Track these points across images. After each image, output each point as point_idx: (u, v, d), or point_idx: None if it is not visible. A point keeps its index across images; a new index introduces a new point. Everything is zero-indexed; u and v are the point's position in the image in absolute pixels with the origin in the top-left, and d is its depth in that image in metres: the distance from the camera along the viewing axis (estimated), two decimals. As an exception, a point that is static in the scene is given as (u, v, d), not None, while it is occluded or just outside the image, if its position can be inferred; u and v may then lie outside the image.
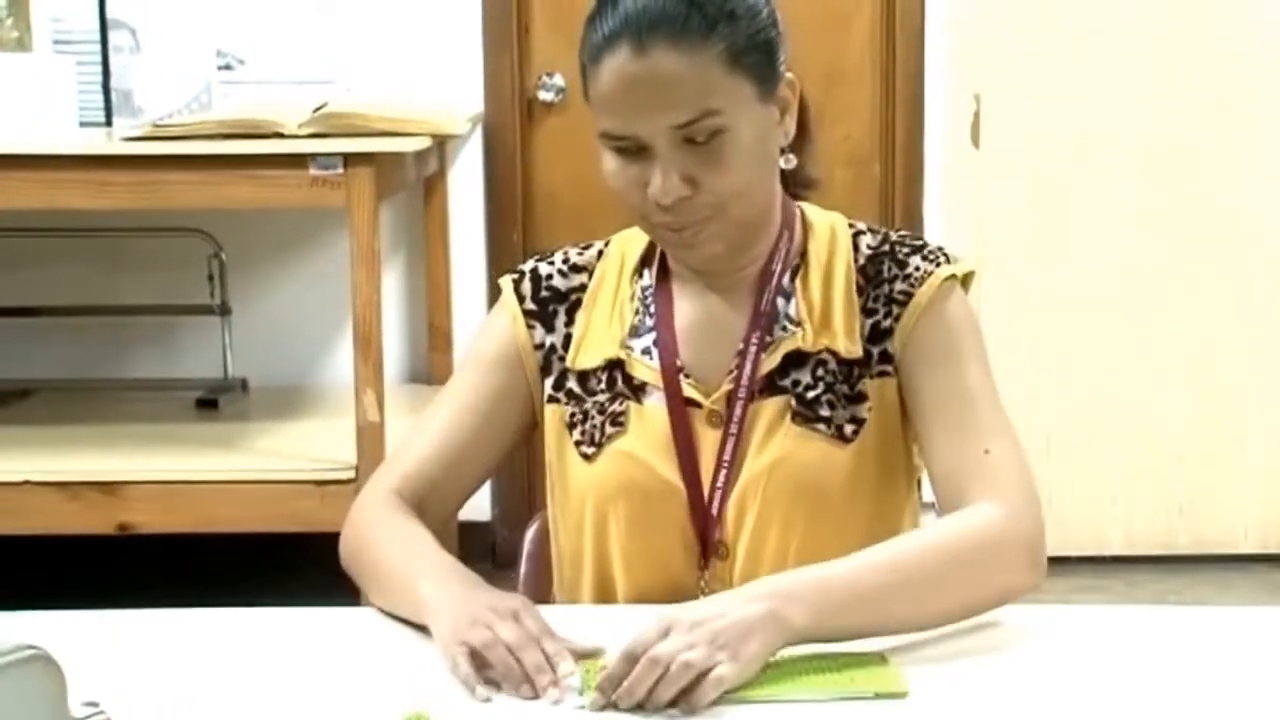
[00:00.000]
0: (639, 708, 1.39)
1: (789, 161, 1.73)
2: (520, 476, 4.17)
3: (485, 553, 4.12)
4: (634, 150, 1.63)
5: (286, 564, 3.80)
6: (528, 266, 1.84)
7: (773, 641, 1.46)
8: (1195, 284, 4.32)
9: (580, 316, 1.79)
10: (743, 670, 1.42)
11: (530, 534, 1.98)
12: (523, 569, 1.97)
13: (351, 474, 3.51)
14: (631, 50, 1.60)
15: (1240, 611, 1.73)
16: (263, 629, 1.67)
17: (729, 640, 1.42)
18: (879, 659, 1.51)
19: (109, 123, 4.07)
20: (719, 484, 1.71)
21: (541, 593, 1.92)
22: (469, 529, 3.90)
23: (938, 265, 1.74)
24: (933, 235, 4.24)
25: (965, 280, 1.77)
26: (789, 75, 1.70)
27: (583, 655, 1.50)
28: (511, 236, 4.39)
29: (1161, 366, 4.34)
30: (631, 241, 1.82)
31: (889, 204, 4.40)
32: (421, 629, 1.61)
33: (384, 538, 1.73)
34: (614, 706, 1.40)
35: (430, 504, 1.79)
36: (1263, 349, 4.34)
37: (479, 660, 1.48)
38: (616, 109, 1.63)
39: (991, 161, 4.30)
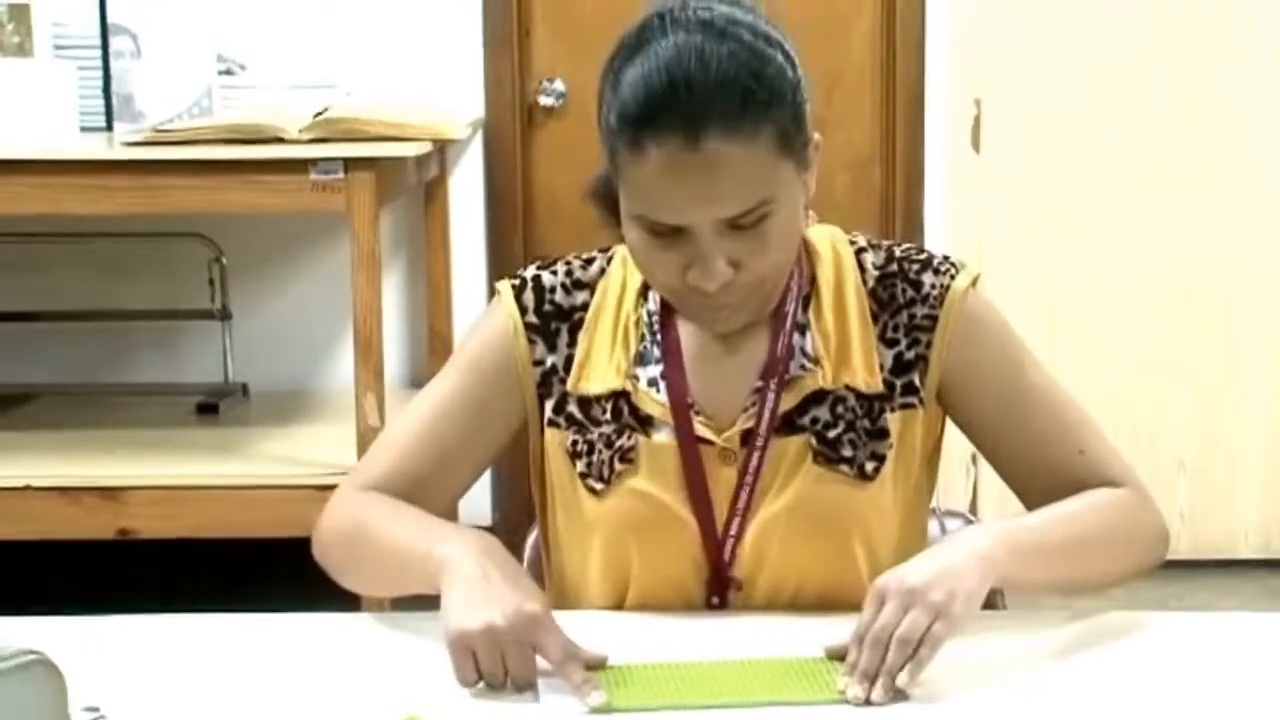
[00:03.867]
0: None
1: (809, 218, 1.68)
2: (522, 482, 4.14)
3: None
4: (669, 232, 1.56)
5: (287, 569, 3.80)
6: (529, 274, 1.76)
7: (984, 579, 1.51)
8: (1195, 289, 4.32)
9: (582, 338, 1.73)
10: (959, 621, 1.47)
11: (531, 540, 1.98)
12: (523, 575, 1.96)
13: (352, 479, 3.51)
14: (683, 140, 1.50)
15: (1241, 617, 1.73)
16: (262, 634, 1.67)
17: (943, 590, 1.47)
18: (823, 662, 1.52)
19: (110, 127, 4.07)
20: (734, 522, 1.67)
21: (542, 599, 1.92)
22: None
23: (951, 277, 1.71)
24: (933, 240, 4.25)
25: (974, 284, 1.74)
26: (816, 137, 1.63)
27: (591, 666, 1.49)
28: (512, 241, 4.39)
29: (1162, 372, 4.34)
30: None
31: (889, 209, 4.40)
32: (419, 635, 1.62)
33: (385, 517, 1.68)
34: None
35: (410, 501, 1.73)
36: (1262, 355, 4.34)
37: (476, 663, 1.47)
38: (661, 199, 1.54)
39: (992, 167, 4.30)
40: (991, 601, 1.76)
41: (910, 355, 1.70)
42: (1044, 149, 4.29)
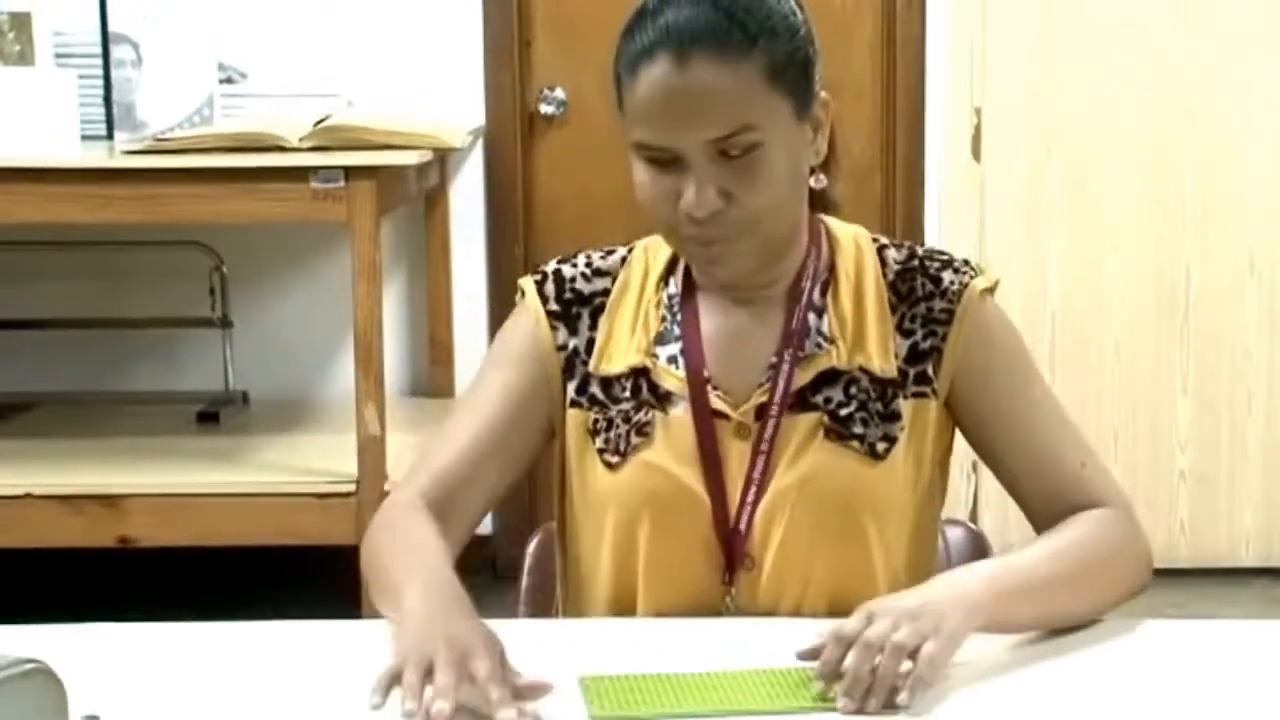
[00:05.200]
0: (866, 694, 1.43)
1: (819, 181, 1.72)
2: (522, 490, 4.14)
3: (486, 566, 4.12)
4: (667, 162, 1.62)
5: (287, 577, 3.81)
6: (550, 268, 1.81)
7: (969, 621, 1.51)
8: (1195, 298, 4.33)
9: (604, 322, 1.77)
10: (947, 647, 1.47)
11: (531, 547, 1.98)
12: (524, 582, 1.96)
13: (352, 487, 3.51)
14: (672, 62, 1.59)
15: (1241, 625, 1.74)
16: (263, 643, 1.67)
17: (930, 619, 1.47)
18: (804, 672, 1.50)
19: (110, 136, 4.08)
20: (748, 497, 1.70)
21: (543, 606, 1.92)
22: (470, 542, 3.89)
23: (970, 278, 1.74)
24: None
25: (992, 289, 1.76)
26: (824, 95, 1.69)
27: (531, 693, 1.43)
28: (513, 250, 4.39)
29: (1162, 380, 4.35)
30: (656, 249, 1.80)
31: (890, 217, 4.41)
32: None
33: (393, 544, 1.69)
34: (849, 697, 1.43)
35: (456, 506, 1.75)
36: (1263, 363, 4.34)
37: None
38: (654, 120, 1.61)
39: (992, 175, 4.31)
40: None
41: (925, 346, 1.72)
42: (1044, 158, 4.30)
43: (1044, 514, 1.73)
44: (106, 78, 4.11)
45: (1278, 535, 4.40)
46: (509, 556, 3.81)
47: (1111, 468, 1.81)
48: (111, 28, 4.09)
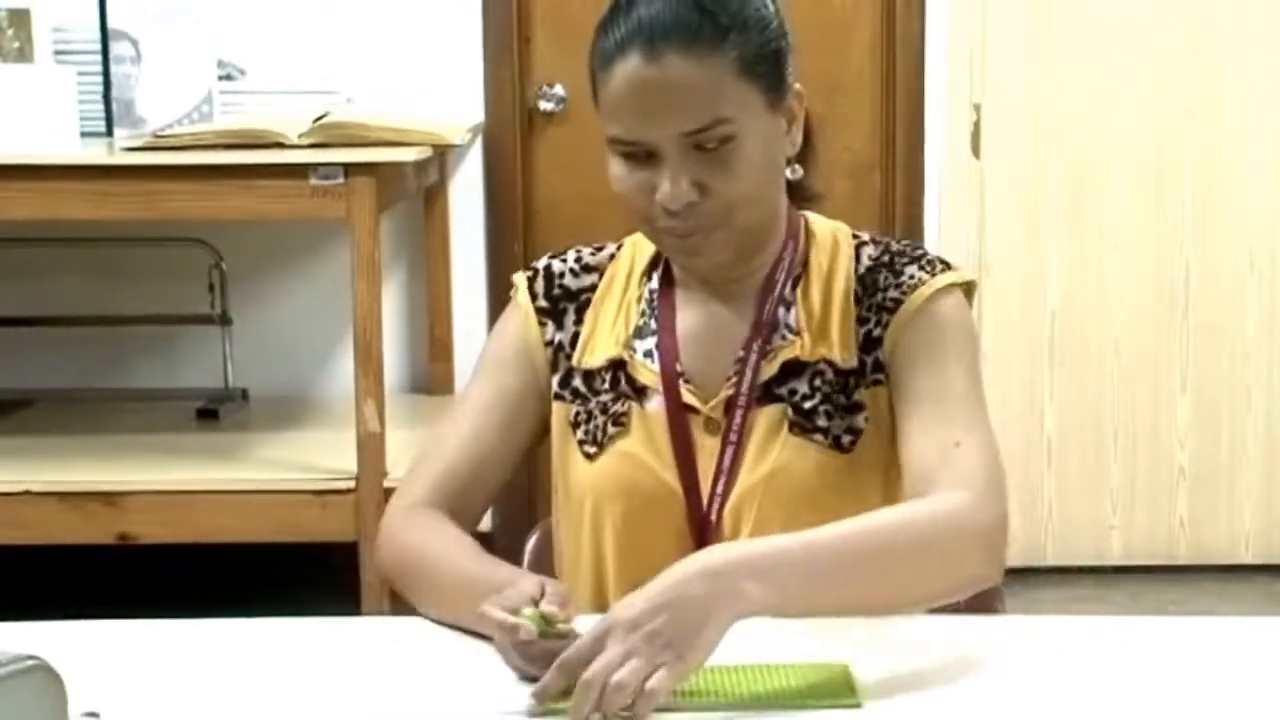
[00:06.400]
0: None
1: (795, 172, 1.74)
2: (521, 486, 4.14)
3: (485, 563, 4.12)
4: (642, 156, 1.64)
5: (287, 574, 3.80)
6: (541, 264, 1.84)
7: (725, 623, 1.42)
8: (1195, 294, 4.33)
9: (588, 316, 1.80)
10: (686, 668, 1.39)
11: (531, 544, 1.99)
12: (523, 579, 1.97)
13: (352, 484, 3.51)
14: (643, 57, 1.61)
15: (1241, 621, 1.74)
16: (262, 639, 1.67)
17: (672, 638, 1.38)
18: (841, 668, 1.49)
19: (110, 133, 4.08)
20: (717, 491, 1.71)
21: (542, 603, 1.92)
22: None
23: (934, 274, 1.74)
24: (933, 245, 4.24)
25: (967, 290, 1.76)
26: (797, 86, 1.71)
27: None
28: (512, 247, 4.39)
29: (1161, 377, 4.35)
30: (643, 244, 1.82)
31: (889, 214, 4.41)
32: (418, 638, 1.62)
33: (440, 549, 1.70)
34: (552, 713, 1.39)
35: (460, 506, 1.78)
36: (1262, 359, 4.35)
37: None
38: (627, 115, 1.63)
39: (992, 172, 4.31)
40: (990, 606, 1.77)
41: (877, 334, 1.73)
42: (1043, 154, 4.30)
43: (911, 485, 1.66)
44: (106, 74, 4.11)
45: (1277, 532, 4.40)
46: (509, 553, 3.80)
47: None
48: (111, 24, 4.09)
